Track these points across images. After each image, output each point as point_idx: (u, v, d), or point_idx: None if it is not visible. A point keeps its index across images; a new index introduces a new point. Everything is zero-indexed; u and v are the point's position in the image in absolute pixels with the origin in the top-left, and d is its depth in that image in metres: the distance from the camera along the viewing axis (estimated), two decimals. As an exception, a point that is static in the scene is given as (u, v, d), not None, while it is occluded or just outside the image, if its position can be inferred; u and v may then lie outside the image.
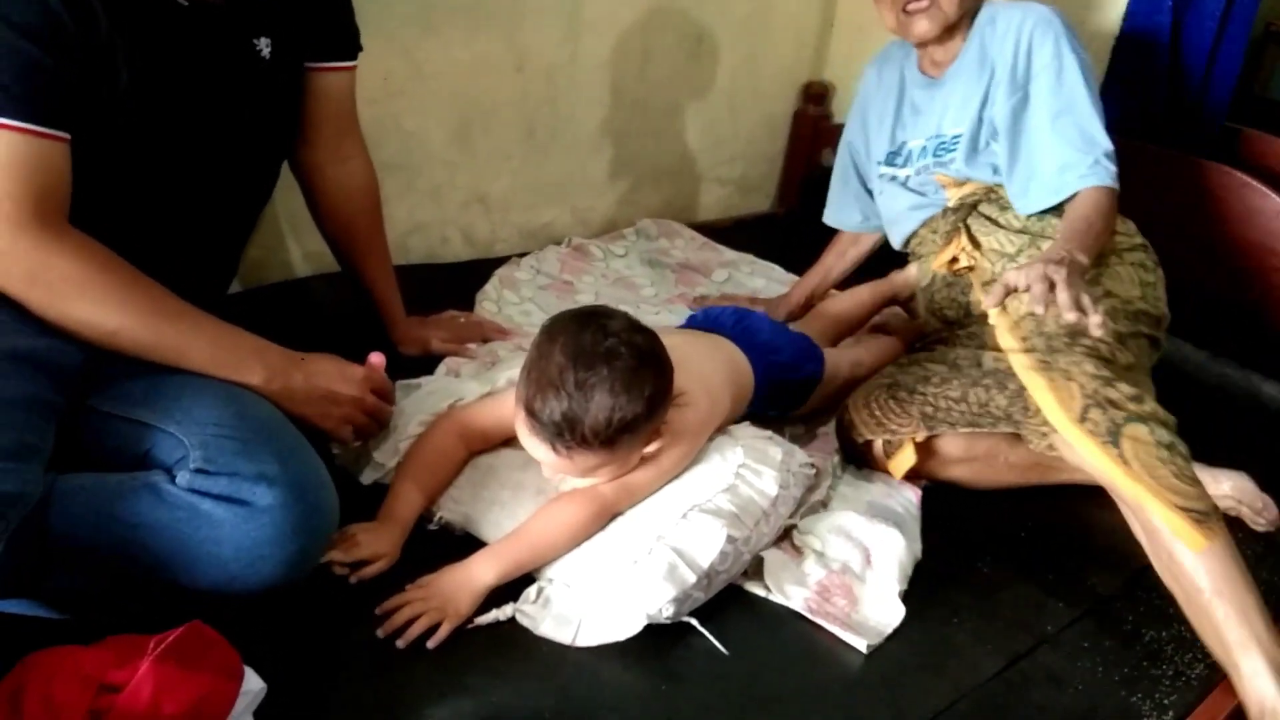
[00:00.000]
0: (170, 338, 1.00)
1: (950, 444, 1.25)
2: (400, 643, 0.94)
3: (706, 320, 1.38)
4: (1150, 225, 1.41)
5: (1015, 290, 1.07)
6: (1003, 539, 1.20)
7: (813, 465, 1.19)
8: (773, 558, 1.08)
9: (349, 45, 1.27)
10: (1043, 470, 1.27)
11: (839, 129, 1.71)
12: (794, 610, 1.04)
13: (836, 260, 1.69)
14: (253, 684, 0.83)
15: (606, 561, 1.00)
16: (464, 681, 0.91)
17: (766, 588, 1.06)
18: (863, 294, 1.61)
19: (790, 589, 1.05)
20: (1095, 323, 0.99)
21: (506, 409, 1.15)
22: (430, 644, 0.94)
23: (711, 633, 0.99)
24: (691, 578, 0.98)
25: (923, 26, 1.39)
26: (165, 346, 1.00)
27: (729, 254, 1.96)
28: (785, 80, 2.19)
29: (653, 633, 0.97)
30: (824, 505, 1.19)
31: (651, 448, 1.05)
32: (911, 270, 1.68)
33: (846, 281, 1.70)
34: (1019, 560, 1.17)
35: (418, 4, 1.58)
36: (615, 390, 0.98)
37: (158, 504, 0.89)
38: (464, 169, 1.76)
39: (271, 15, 1.12)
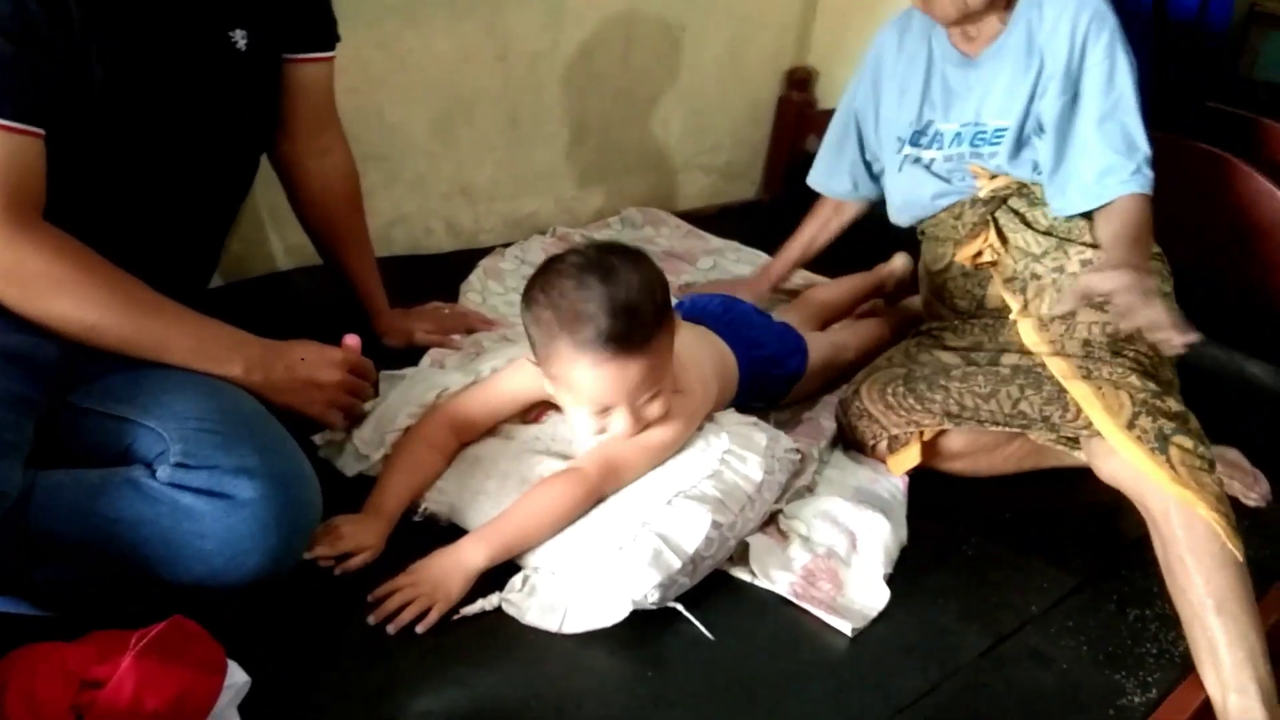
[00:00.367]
0: (149, 332, 0.99)
1: (954, 440, 1.25)
2: (391, 628, 0.94)
3: (693, 309, 1.38)
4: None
5: (1091, 297, 1.07)
6: (988, 521, 1.20)
7: (798, 451, 1.19)
8: (758, 543, 1.08)
9: (326, 36, 1.26)
10: (1035, 458, 1.27)
11: (823, 115, 1.71)
12: (779, 595, 1.04)
13: (819, 231, 1.62)
14: (237, 677, 0.83)
15: (592, 548, 1.00)
16: (451, 671, 0.91)
17: (752, 573, 1.06)
18: (851, 284, 1.61)
19: (775, 574, 1.05)
20: (1184, 341, 1.01)
21: (495, 394, 1.16)
22: (420, 629, 0.94)
23: (697, 618, 0.99)
24: (676, 563, 0.98)
25: (945, 7, 1.30)
26: (144, 341, 0.99)
27: (714, 241, 1.95)
28: (768, 67, 2.18)
29: (639, 619, 0.97)
30: (810, 490, 1.20)
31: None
32: (898, 262, 1.69)
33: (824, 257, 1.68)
34: (1004, 542, 1.17)
35: (397, -7, 1.57)
36: (636, 264, 1.02)
37: (138, 499, 0.88)
38: (447, 159, 1.75)
39: (247, 6, 1.11)
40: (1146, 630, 1.07)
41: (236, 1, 1.10)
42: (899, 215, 1.50)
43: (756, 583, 1.05)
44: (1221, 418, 1.09)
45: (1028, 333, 1.24)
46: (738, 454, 1.10)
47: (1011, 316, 1.28)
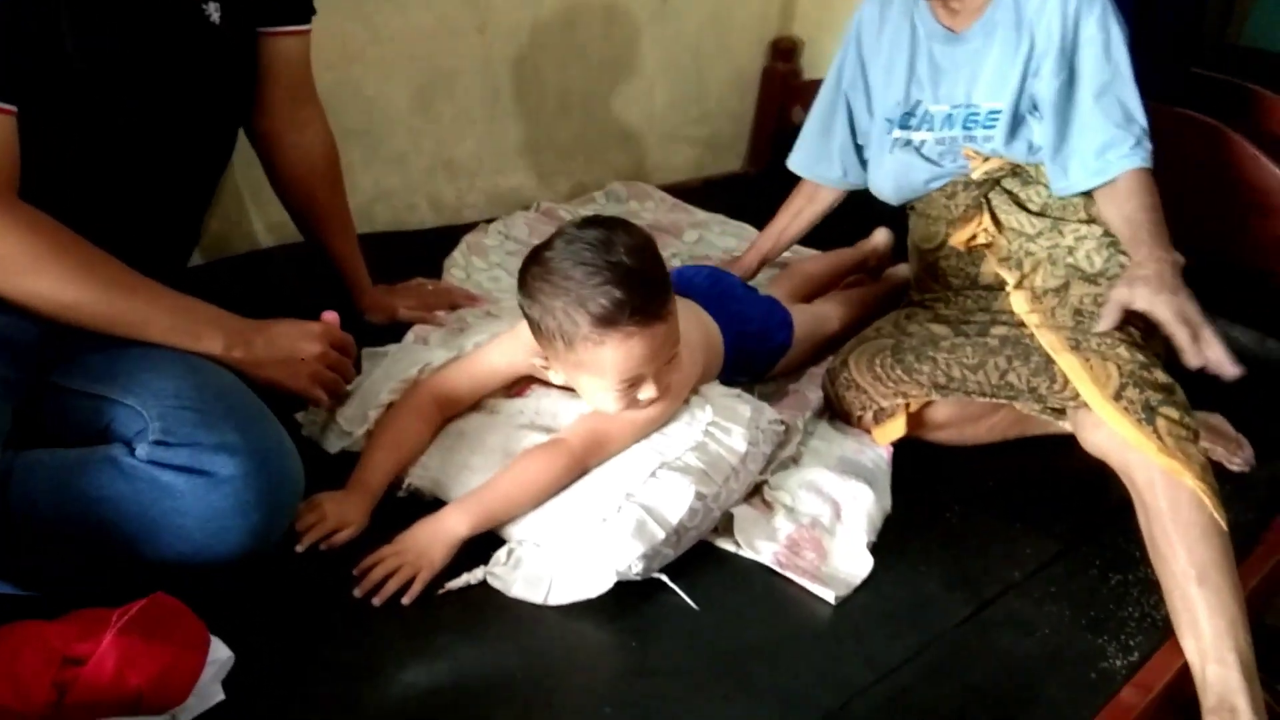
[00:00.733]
0: (127, 310, 0.99)
1: (940, 410, 1.25)
2: (376, 600, 0.94)
3: (679, 282, 1.37)
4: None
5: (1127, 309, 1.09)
6: (971, 489, 1.21)
7: (782, 422, 1.20)
8: (742, 513, 1.08)
9: (302, 8, 1.24)
10: (1020, 427, 1.28)
11: (809, 85, 1.69)
12: (764, 565, 1.04)
13: (791, 221, 1.58)
14: (220, 653, 0.83)
15: (576, 520, 1.01)
16: (436, 644, 0.92)
17: (736, 543, 1.06)
18: (835, 258, 1.61)
19: (760, 544, 1.05)
20: (1232, 374, 1.04)
21: (479, 368, 1.15)
22: (405, 600, 0.94)
23: (682, 588, 0.99)
24: (660, 534, 0.98)
25: None
26: (122, 319, 0.99)
27: (700, 215, 1.95)
28: (753, 37, 2.16)
29: (624, 590, 0.97)
30: (795, 461, 1.20)
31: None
32: (880, 237, 1.68)
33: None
34: (986, 509, 1.18)
35: (374, -35, 1.56)
36: (627, 230, 1.01)
37: (118, 477, 0.88)
38: (428, 134, 1.74)
39: (219, -23, 1.09)
40: (1128, 595, 1.07)
41: (209, -27, 1.08)
42: (889, 197, 1.46)
43: (741, 553, 1.06)
44: (1206, 384, 1.08)
45: (1020, 303, 1.23)
46: (722, 426, 1.10)
47: (1008, 289, 1.28)
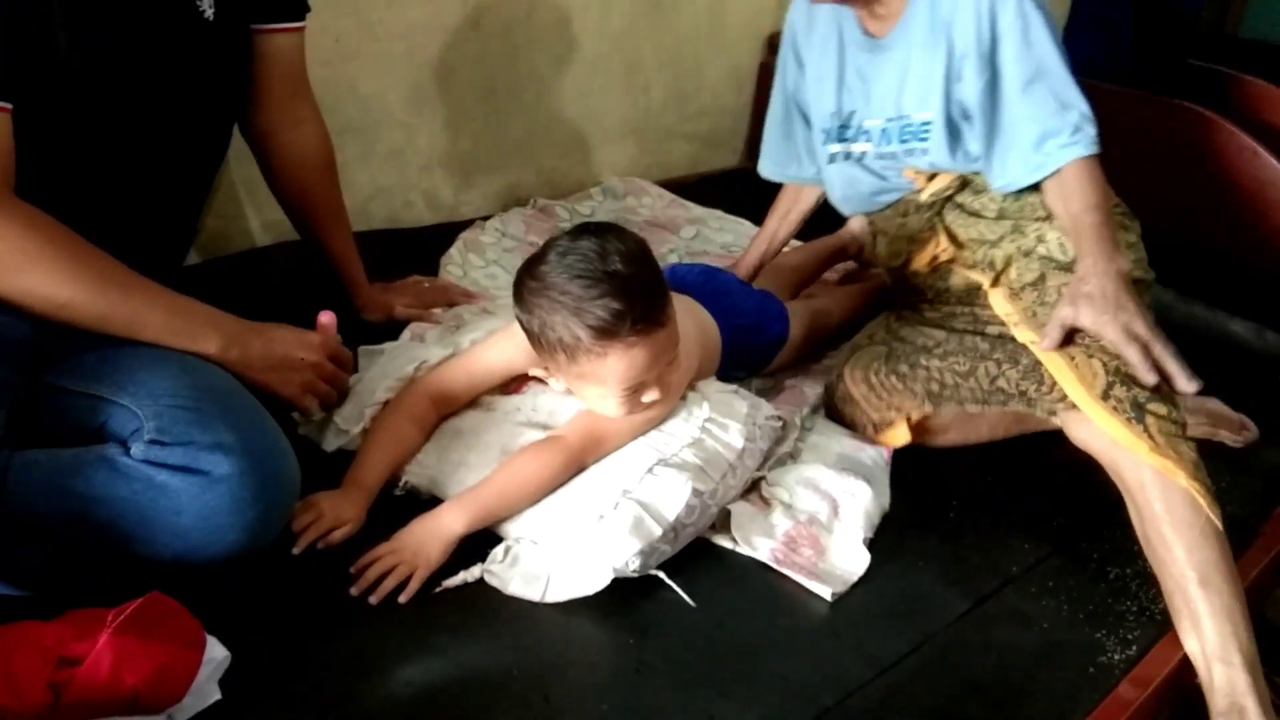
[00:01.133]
0: (123, 309, 0.98)
1: (940, 414, 1.22)
2: (373, 599, 0.94)
3: (674, 279, 1.37)
4: (1118, 168, 1.40)
5: (1073, 331, 1.08)
6: (968, 485, 1.20)
7: (779, 418, 1.19)
8: (740, 510, 1.08)
9: (296, 5, 1.24)
10: (1020, 424, 1.27)
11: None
12: (761, 561, 1.04)
13: (780, 223, 1.54)
14: (216, 653, 0.83)
15: (573, 517, 1.00)
16: (433, 642, 0.92)
17: (734, 540, 1.06)
18: (814, 248, 1.61)
19: (757, 540, 1.05)
20: (1190, 389, 1.03)
21: (476, 366, 1.15)
22: (402, 598, 0.94)
23: (679, 585, 0.99)
24: (657, 531, 0.98)
25: None
26: (118, 318, 0.98)
27: (697, 210, 1.94)
28: (749, 31, 2.16)
29: (621, 587, 0.97)
30: (793, 457, 1.19)
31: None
32: (855, 225, 1.67)
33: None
34: (984, 505, 1.17)
35: (368, -38, 1.55)
36: (619, 237, 1.00)
37: (113, 476, 0.88)
38: (424, 131, 1.74)
39: (213, -26, 1.09)
40: (1126, 589, 1.07)
41: (202, -30, 1.08)
42: (841, 206, 1.44)
43: (738, 549, 1.05)
44: (1204, 376, 1.08)
45: (1000, 302, 1.21)
46: (719, 422, 1.10)
47: (984, 287, 1.25)
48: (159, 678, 0.77)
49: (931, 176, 1.30)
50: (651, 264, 1.02)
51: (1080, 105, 1.19)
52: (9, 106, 0.94)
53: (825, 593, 1.00)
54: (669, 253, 1.77)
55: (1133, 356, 1.03)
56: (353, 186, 1.65)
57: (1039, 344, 1.10)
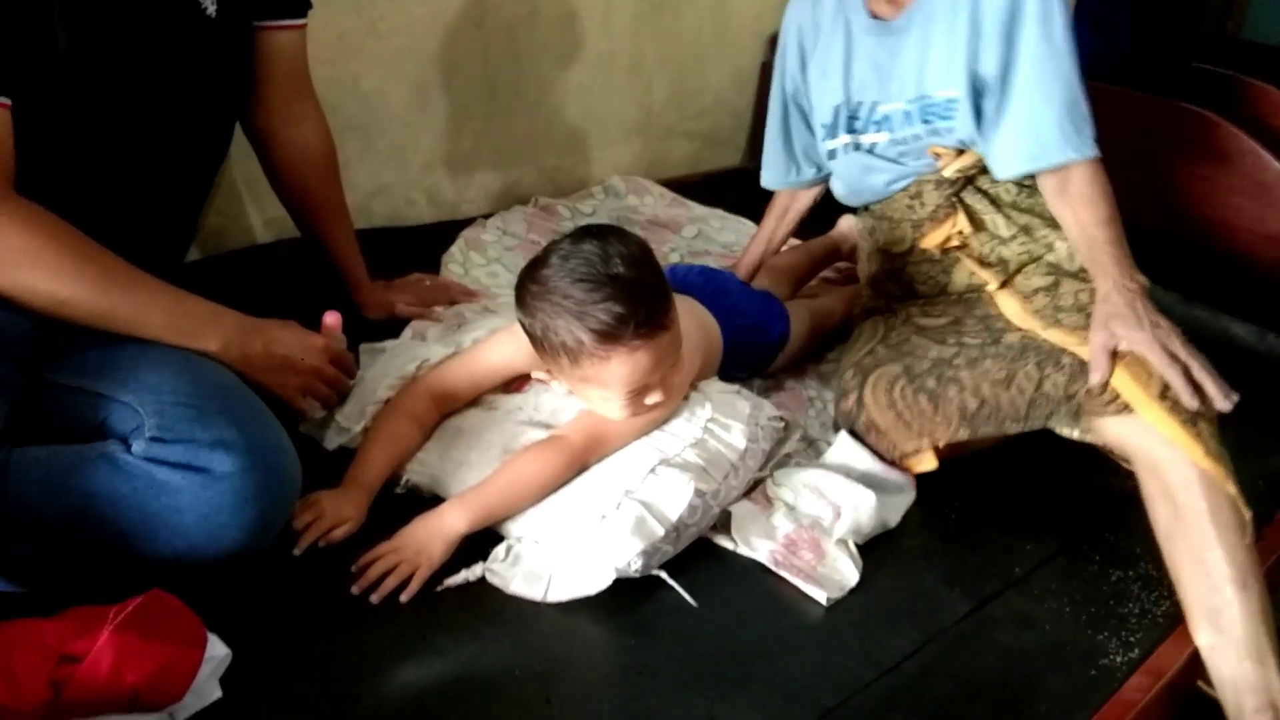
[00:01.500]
0: (124, 306, 0.98)
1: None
2: (374, 598, 0.94)
3: (674, 280, 1.36)
4: (1119, 169, 1.40)
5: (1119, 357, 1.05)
6: (971, 486, 1.20)
7: (781, 419, 1.19)
8: (741, 510, 1.08)
9: (298, 2, 1.24)
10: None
11: (807, 80, 1.67)
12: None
13: (778, 224, 1.52)
14: (217, 650, 0.83)
15: (575, 517, 1.00)
16: (434, 641, 0.91)
17: (734, 540, 1.06)
18: (807, 248, 1.61)
19: (756, 541, 1.05)
20: (1227, 407, 1.02)
21: (477, 365, 1.15)
22: (404, 597, 0.94)
23: (681, 585, 0.99)
24: (660, 531, 0.98)
25: None
26: (119, 315, 0.98)
27: (698, 210, 1.94)
28: (752, 30, 2.15)
29: (622, 587, 0.97)
30: (790, 458, 1.18)
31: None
32: (845, 224, 1.66)
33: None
34: (987, 506, 1.17)
35: (371, -41, 1.55)
36: (624, 241, 1.00)
37: (114, 474, 0.88)
38: (425, 129, 1.73)
39: (215, -29, 1.09)
40: (1128, 591, 1.07)
41: (204, -34, 1.08)
42: (848, 198, 1.41)
43: (739, 550, 1.05)
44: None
45: (1010, 306, 1.19)
46: (721, 422, 1.10)
47: (989, 289, 1.24)
48: (160, 676, 0.77)
49: (959, 153, 1.27)
50: (654, 267, 1.02)
51: (1083, 107, 1.18)
52: (8, 103, 0.93)
53: (821, 597, 0.99)
54: (671, 252, 1.76)
55: (1176, 380, 1.02)
56: (354, 184, 1.65)
57: (1095, 378, 1.06)
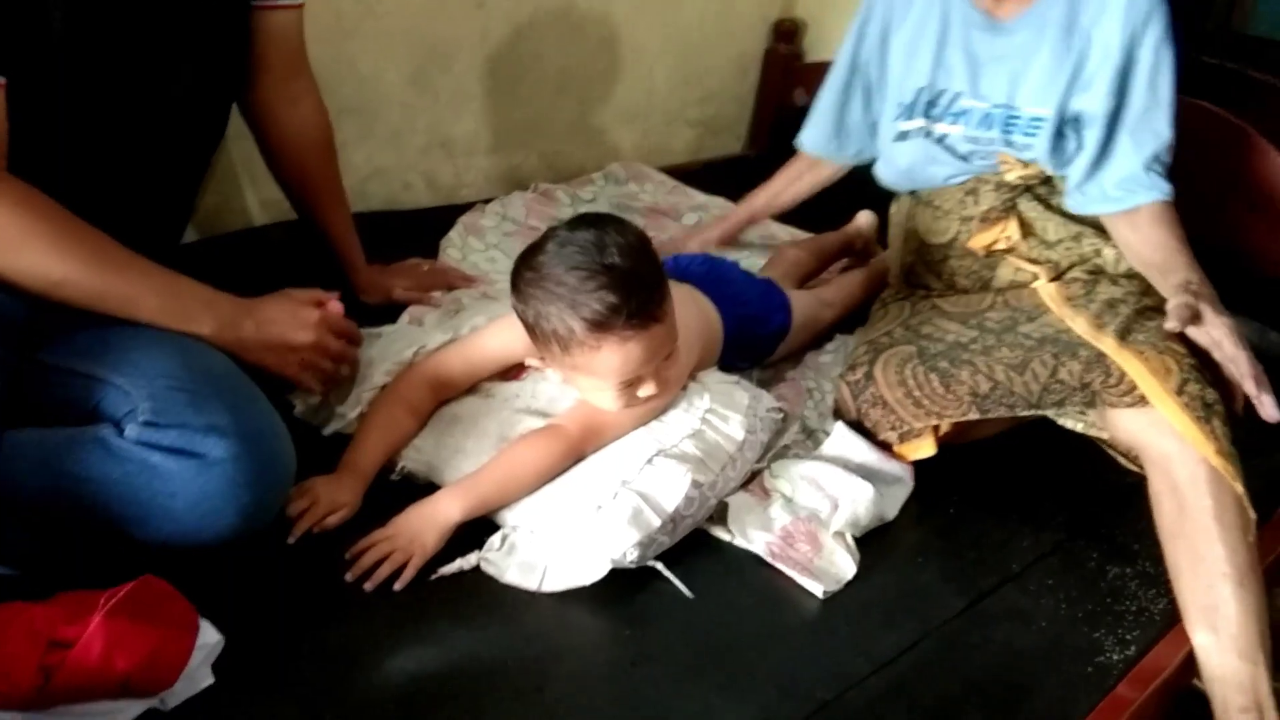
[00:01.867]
0: (117, 288, 0.97)
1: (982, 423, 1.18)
2: (368, 585, 0.93)
3: (676, 268, 1.36)
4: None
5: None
6: (968, 481, 1.19)
7: (780, 410, 1.18)
8: (738, 502, 1.07)
9: (296, -18, 1.22)
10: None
11: (812, 69, 1.66)
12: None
13: (788, 185, 1.49)
14: (209, 636, 0.82)
15: (571, 507, 0.99)
16: (427, 630, 0.91)
17: (731, 532, 1.05)
18: (821, 242, 1.59)
19: (753, 533, 1.04)
20: (1275, 418, 1.01)
21: (475, 352, 1.14)
22: (397, 585, 0.94)
23: (677, 576, 0.98)
24: (656, 522, 0.97)
25: None
26: (112, 297, 0.97)
27: (699, 197, 1.92)
28: (755, 16, 2.14)
29: (618, 577, 0.96)
30: (788, 449, 1.18)
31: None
32: (864, 220, 1.65)
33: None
34: (984, 501, 1.16)
35: (369, -63, 1.53)
36: (619, 230, 0.99)
37: (106, 458, 0.87)
38: (424, 112, 1.72)
39: (211, -51, 1.07)
40: (1126, 588, 1.07)
41: (200, -55, 1.06)
42: (893, 183, 1.38)
43: (735, 542, 1.05)
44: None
45: (1049, 296, 1.19)
46: (720, 413, 1.09)
47: (1035, 284, 1.23)
48: (150, 662, 0.76)
49: (1026, 166, 1.26)
50: (650, 258, 1.01)
51: (1169, 151, 1.20)
52: (3, 82, 0.92)
53: (817, 590, 0.99)
54: (670, 239, 1.75)
55: (1245, 365, 1.02)
56: (350, 167, 1.63)
57: (1167, 326, 1.07)
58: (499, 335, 1.13)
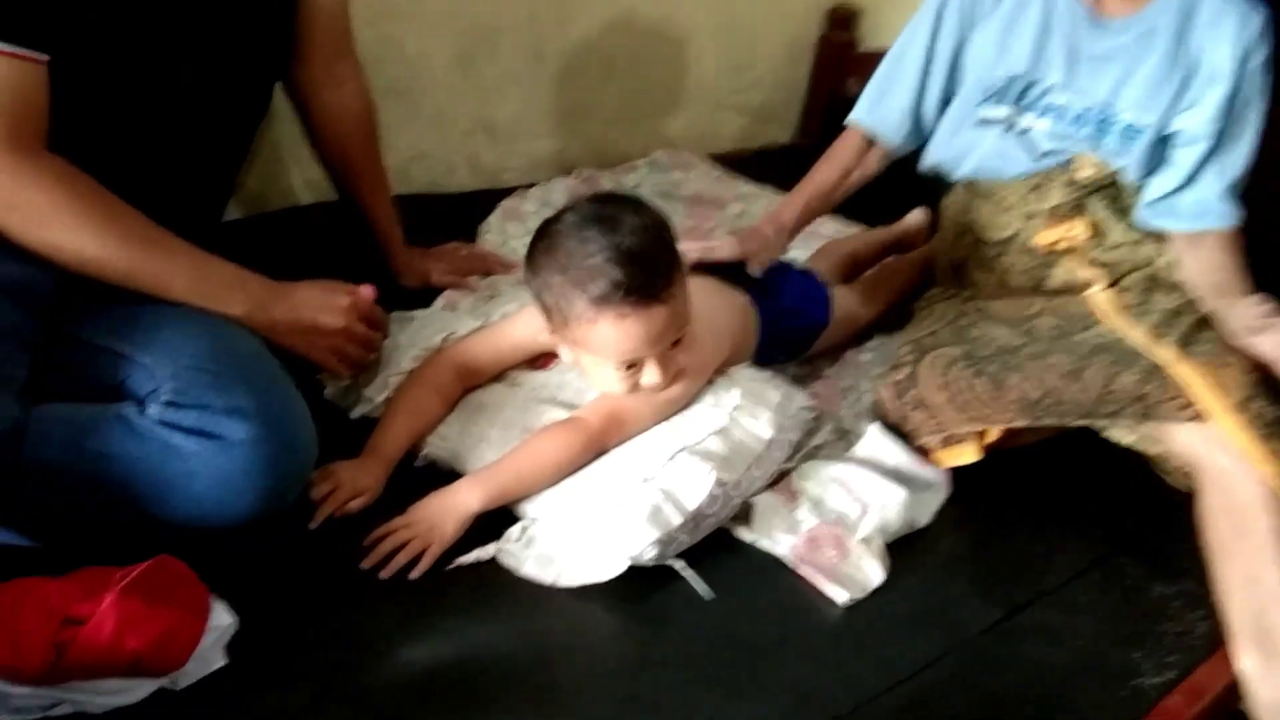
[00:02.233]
0: (148, 266, 0.97)
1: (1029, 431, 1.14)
2: (384, 574, 0.93)
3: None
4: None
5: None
6: (1007, 488, 1.15)
7: (813, 409, 1.15)
8: (764, 503, 1.05)
9: (340, -39, 1.22)
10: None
11: (868, 58, 1.58)
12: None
13: (839, 181, 1.35)
14: (223, 619, 0.82)
15: (591, 501, 0.98)
16: (440, 621, 0.90)
17: (755, 533, 1.03)
18: (873, 237, 1.54)
19: (778, 535, 1.02)
20: None
21: (503, 340, 1.13)
22: (413, 575, 0.93)
23: (697, 577, 0.96)
24: (676, 520, 0.95)
25: None
26: (143, 275, 0.97)
27: (745, 187, 1.89)
28: (809, 2, 2.08)
29: (636, 575, 0.94)
30: (819, 450, 1.14)
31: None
32: (917, 217, 1.60)
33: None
34: (1021, 510, 1.13)
35: (417, -82, 1.52)
36: (637, 210, 0.98)
37: (129, 436, 0.87)
38: (469, 95, 1.70)
39: (255, -73, 1.07)
40: (1168, 609, 1.02)
41: (245, -78, 1.06)
42: (946, 166, 1.31)
43: (759, 544, 1.02)
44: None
45: (1105, 304, 1.15)
46: (748, 410, 1.07)
47: (1093, 290, 1.19)
48: (161, 643, 0.77)
49: (1103, 166, 1.22)
50: (664, 241, 0.99)
51: (1243, 183, 1.18)
52: (44, 58, 0.92)
53: (840, 597, 0.96)
54: (713, 229, 1.72)
55: None
56: (394, 148, 1.62)
57: (1238, 326, 1.07)
58: (527, 323, 1.11)
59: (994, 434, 1.12)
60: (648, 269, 0.95)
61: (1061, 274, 1.23)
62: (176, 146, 1.10)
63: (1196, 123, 1.16)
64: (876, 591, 0.98)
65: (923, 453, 1.14)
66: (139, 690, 0.78)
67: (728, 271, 1.24)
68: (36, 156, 0.93)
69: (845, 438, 1.20)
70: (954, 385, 1.12)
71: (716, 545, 1.01)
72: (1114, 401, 1.06)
